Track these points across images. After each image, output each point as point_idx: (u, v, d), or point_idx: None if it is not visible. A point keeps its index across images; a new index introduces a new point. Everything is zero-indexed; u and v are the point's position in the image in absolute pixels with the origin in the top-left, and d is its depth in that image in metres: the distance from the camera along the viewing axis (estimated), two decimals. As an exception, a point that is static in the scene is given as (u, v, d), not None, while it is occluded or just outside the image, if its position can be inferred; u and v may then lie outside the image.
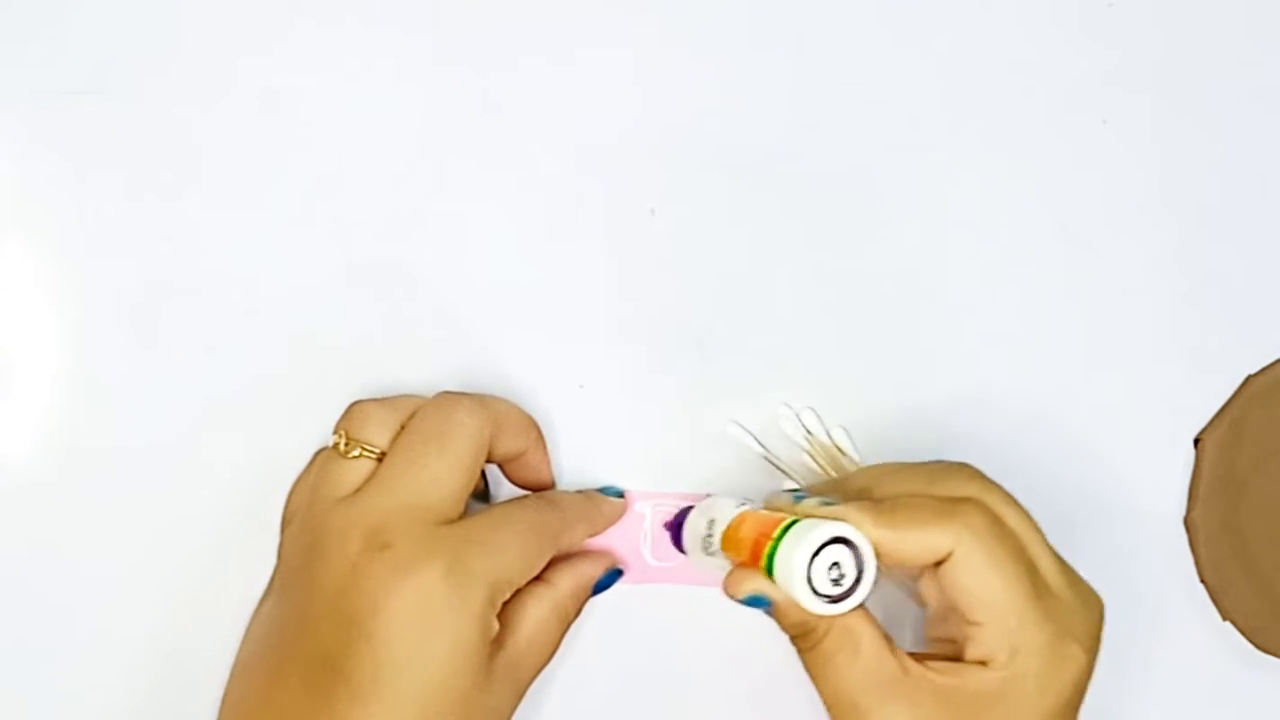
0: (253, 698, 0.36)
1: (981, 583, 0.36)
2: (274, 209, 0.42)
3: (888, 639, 0.37)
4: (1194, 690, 0.48)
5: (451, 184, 0.43)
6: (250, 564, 0.39)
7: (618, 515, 0.43)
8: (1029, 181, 0.48)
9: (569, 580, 0.41)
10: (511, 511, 0.39)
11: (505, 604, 0.38)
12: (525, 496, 0.42)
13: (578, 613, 0.41)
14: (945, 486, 0.38)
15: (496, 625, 0.37)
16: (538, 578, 0.40)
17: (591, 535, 0.42)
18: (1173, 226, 0.49)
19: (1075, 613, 0.38)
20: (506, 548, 0.37)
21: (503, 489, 0.43)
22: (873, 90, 0.47)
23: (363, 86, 0.43)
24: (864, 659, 0.36)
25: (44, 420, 0.41)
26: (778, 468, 0.44)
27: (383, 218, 0.43)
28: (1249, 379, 0.49)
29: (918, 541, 0.36)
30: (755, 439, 0.44)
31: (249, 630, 0.38)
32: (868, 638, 0.37)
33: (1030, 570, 0.37)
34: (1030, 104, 0.48)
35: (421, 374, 0.42)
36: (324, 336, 0.42)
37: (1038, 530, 0.38)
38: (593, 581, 0.42)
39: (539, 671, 0.39)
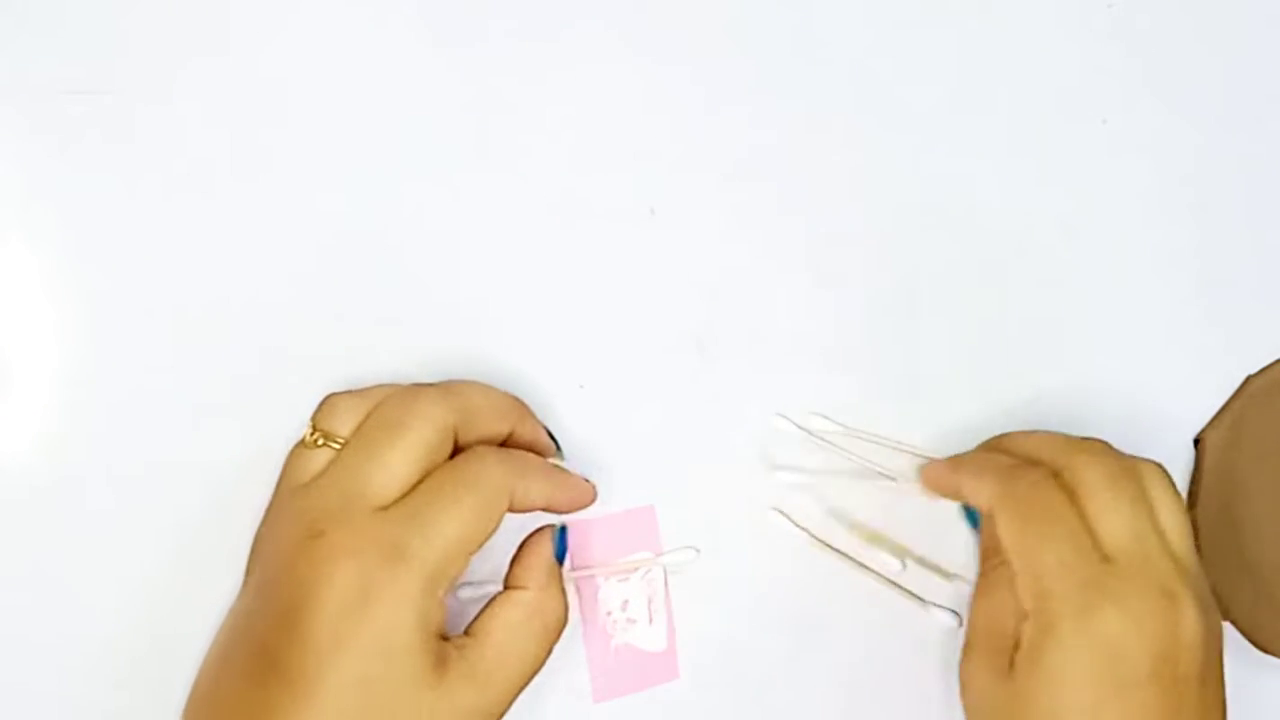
0: (207, 689, 0.36)
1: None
2: (273, 208, 0.42)
3: None
4: (1194, 690, 0.48)
5: (451, 183, 0.43)
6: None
7: (584, 495, 0.40)
8: (1028, 181, 0.48)
9: (537, 574, 0.39)
10: (448, 476, 0.36)
11: (483, 611, 0.37)
12: (471, 450, 0.38)
13: (564, 605, 0.39)
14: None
15: (440, 611, 0.35)
16: (509, 585, 0.39)
17: (552, 502, 0.39)
18: (1173, 226, 0.49)
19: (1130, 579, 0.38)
20: (440, 521, 0.35)
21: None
22: (873, 91, 0.47)
23: (362, 85, 0.43)
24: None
25: (44, 420, 0.41)
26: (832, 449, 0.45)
27: (382, 217, 0.43)
28: (1249, 379, 0.49)
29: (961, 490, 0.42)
30: (798, 426, 0.45)
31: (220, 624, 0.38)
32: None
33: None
34: (1030, 104, 0.48)
35: (420, 374, 0.42)
36: (324, 336, 0.42)
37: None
38: (551, 559, 0.39)
39: (521, 680, 0.37)
